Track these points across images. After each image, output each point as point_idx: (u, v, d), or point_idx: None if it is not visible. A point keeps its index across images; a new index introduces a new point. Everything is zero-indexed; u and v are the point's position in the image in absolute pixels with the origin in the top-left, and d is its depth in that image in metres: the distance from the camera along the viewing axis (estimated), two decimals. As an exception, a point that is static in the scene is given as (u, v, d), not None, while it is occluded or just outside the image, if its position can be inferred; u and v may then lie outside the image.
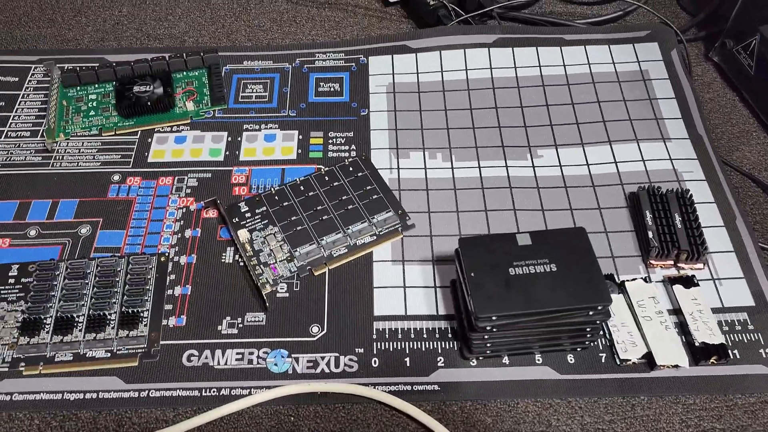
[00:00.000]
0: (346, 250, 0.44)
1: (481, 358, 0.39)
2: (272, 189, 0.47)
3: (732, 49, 0.54)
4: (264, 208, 0.45)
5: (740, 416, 0.37)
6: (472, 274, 0.37)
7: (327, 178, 0.47)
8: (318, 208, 0.45)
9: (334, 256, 0.43)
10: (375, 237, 0.44)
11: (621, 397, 0.38)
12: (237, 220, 0.45)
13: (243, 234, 0.44)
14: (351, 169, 0.48)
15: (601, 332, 0.40)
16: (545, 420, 0.37)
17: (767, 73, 0.51)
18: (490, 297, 0.36)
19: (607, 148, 0.49)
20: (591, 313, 0.36)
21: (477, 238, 0.38)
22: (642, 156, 0.49)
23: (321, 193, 0.46)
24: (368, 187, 0.47)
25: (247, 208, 0.45)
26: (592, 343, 0.39)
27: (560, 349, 0.39)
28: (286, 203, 0.46)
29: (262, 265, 0.43)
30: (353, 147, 0.50)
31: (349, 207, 0.45)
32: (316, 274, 0.43)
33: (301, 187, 0.47)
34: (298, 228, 0.44)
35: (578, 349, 0.39)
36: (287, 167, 0.48)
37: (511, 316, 0.35)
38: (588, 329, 0.37)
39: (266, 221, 0.45)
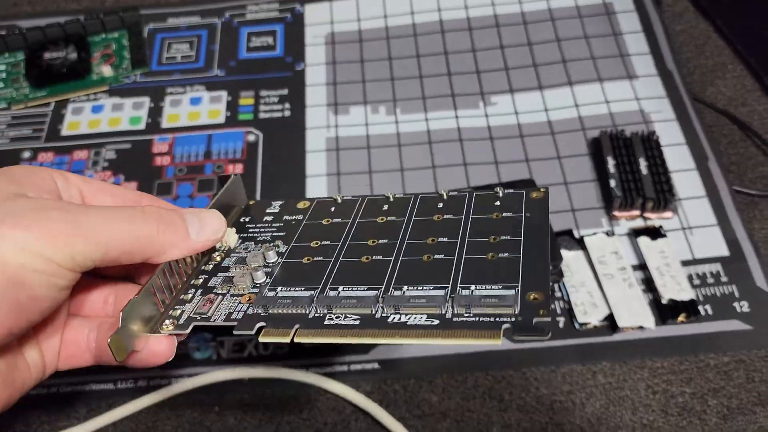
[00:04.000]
0: (357, 323, 0.22)
1: (425, 330, 0.35)
2: (339, 198, 0.29)
3: (704, -27, 0.49)
4: (299, 217, 0.28)
5: (712, 378, 0.34)
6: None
7: (441, 206, 0.27)
8: (379, 241, 0.26)
9: (326, 323, 0.22)
10: (437, 321, 0.22)
11: (581, 365, 0.34)
12: (247, 219, 0.29)
13: (230, 236, 0.27)
14: (498, 204, 0.27)
15: (558, 294, 0.36)
16: (497, 394, 0.34)
17: (743, -4, 0.46)
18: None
19: (568, 91, 0.45)
20: (541, 274, 0.32)
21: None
22: (606, 98, 0.44)
23: (408, 222, 0.27)
24: (504, 237, 0.25)
25: (276, 210, 0.29)
26: (548, 307, 0.35)
27: (513, 316, 0.35)
28: (338, 220, 0.28)
29: (199, 290, 0.25)
30: (287, 105, 0.45)
31: (436, 256, 0.24)
32: (263, 339, 0.22)
33: (385, 207, 0.28)
34: (316, 259, 0.26)
35: (533, 315, 0.35)
36: (214, 132, 0.44)
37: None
38: (540, 292, 0.33)
39: (283, 234, 0.28)
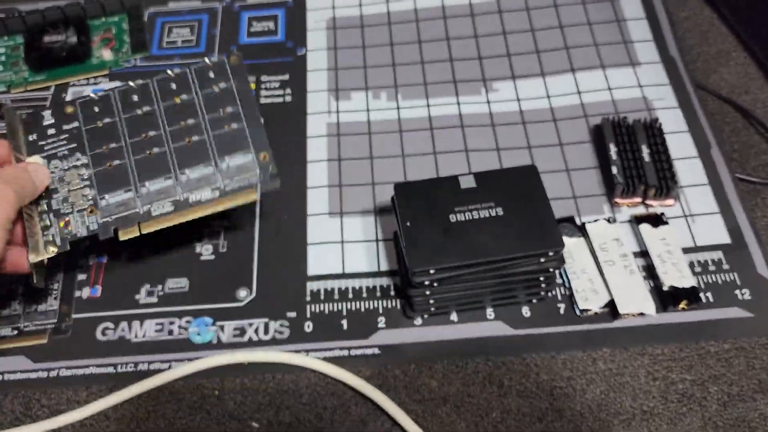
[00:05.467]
0: (172, 209, 0.33)
1: (426, 316, 0.35)
2: (95, 95, 0.35)
3: (709, -41, 0.48)
4: (75, 124, 0.34)
5: (713, 365, 0.34)
6: (408, 224, 0.32)
7: (174, 86, 0.35)
8: (150, 133, 0.34)
9: (154, 215, 0.33)
10: (218, 193, 0.33)
11: (581, 351, 0.34)
12: (35, 137, 0.34)
13: (35, 162, 0.33)
14: (212, 75, 0.35)
15: (560, 281, 0.36)
16: (497, 380, 0.34)
17: (748, -17, 0.45)
18: (427, 248, 0.32)
19: (570, 78, 0.44)
20: (542, 260, 0.32)
21: (414, 183, 0.34)
22: (608, 84, 0.44)
23: (159, 109, 0.34)
24: (229, 109, 0.34)
25: (52, 121, 0.34)
26: (548, 294, 0.36)
27: (514, 302, 0.35)
28: (108, 120, 0.34)
29: (50, 214, 0.32)
30: (288, 90, 0.45)
31: (194, 138, 0.34)
32: (122, 238, 0.32)
33: (135, 97, 0.34)
34: (115, 163, 0.33)
35: (534, 301, 0.36)
36: (215, 117, 0.44)
37: (450, 268, 0.31)
38: (542, 278, 0.33)
39: (74, 145, 0.34)
